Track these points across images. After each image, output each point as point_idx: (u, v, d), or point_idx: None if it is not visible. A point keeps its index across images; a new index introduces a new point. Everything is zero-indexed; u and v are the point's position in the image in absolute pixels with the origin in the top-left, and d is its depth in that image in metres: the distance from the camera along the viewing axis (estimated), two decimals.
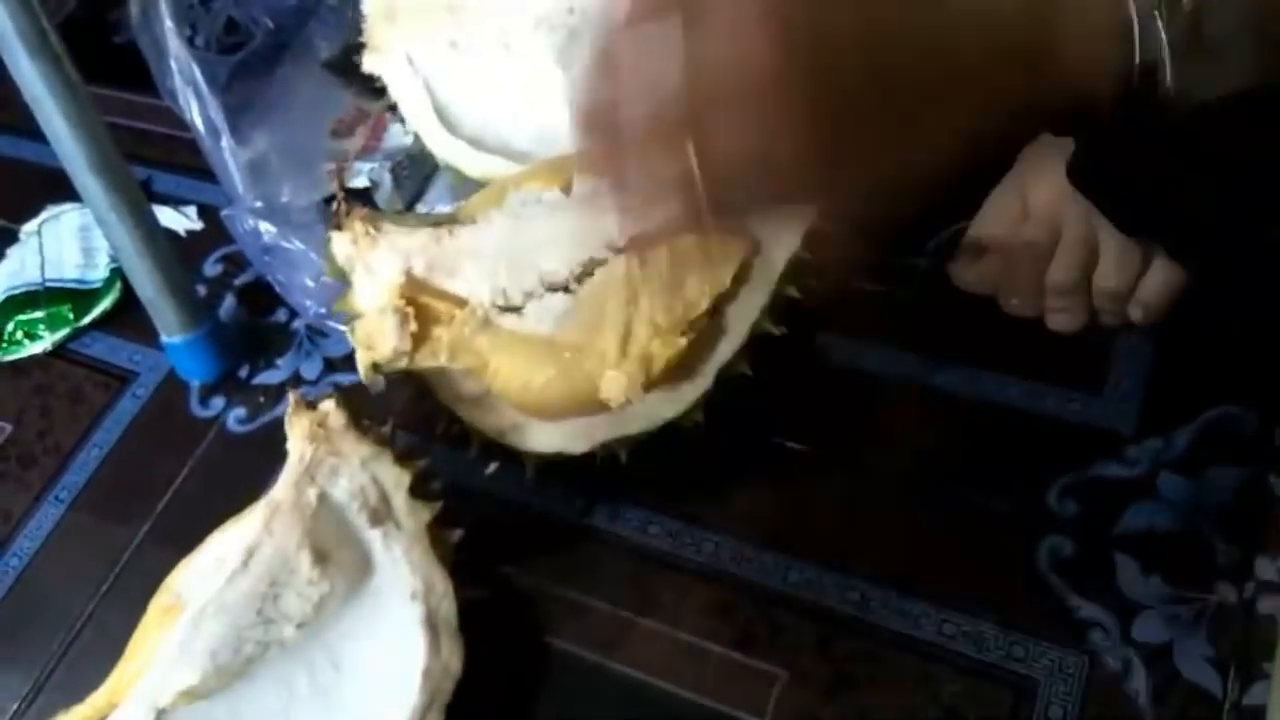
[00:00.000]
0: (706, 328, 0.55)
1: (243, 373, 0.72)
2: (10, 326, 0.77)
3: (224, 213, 0.71)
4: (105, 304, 0.77)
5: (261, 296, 0.75)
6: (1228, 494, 0.56)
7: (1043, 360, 0.62)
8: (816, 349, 0.66)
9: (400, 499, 0.51)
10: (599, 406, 0.55)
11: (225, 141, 0.68)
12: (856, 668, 0.55)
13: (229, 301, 0.76)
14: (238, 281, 0.77)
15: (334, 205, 0.59)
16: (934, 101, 0.36)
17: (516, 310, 0.57)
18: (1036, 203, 0.61)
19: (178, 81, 0.66)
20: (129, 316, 0.77)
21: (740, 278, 0.55)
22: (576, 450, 0.56)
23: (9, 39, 0.59)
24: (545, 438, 0.57)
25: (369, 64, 0.72)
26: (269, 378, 0.72)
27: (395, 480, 0.51)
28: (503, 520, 0.61)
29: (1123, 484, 0.58)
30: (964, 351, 0.64)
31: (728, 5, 0.35)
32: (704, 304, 0.55)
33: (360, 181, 0.75)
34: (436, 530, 0.51)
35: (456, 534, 0.52)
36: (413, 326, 0.56)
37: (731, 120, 0.35)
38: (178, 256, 0.68)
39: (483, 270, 0.57)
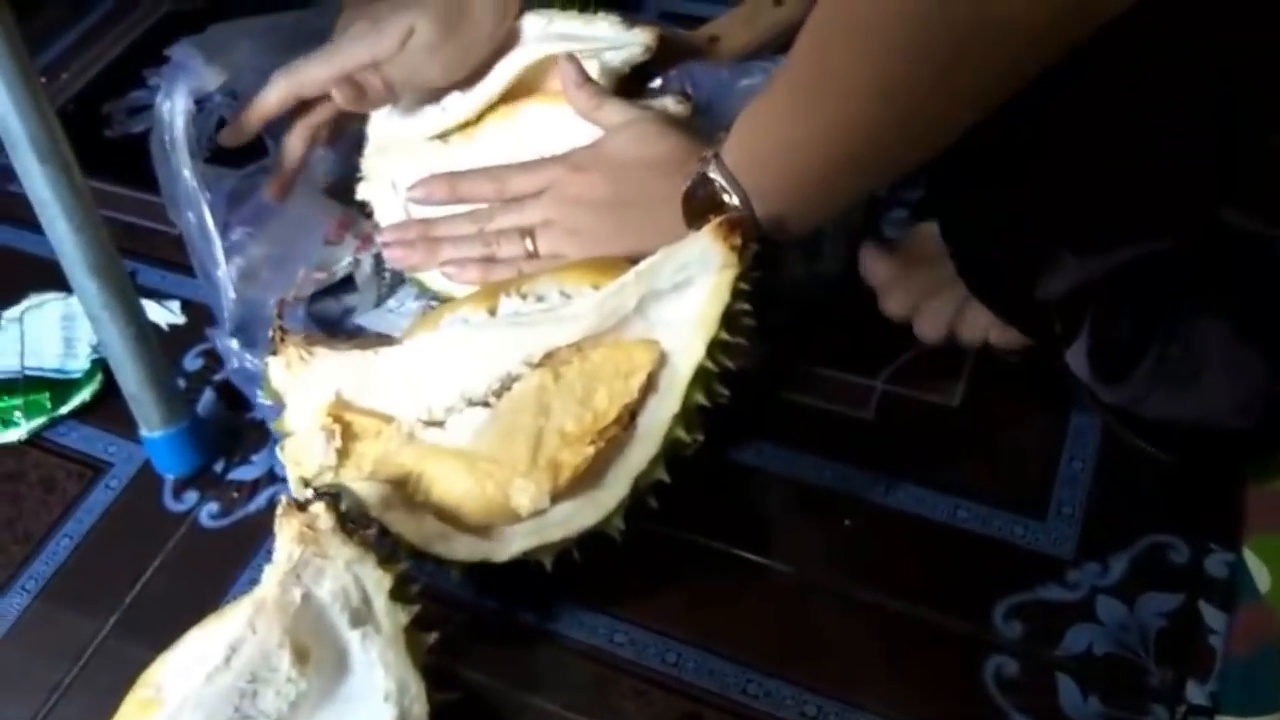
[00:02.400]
0: (620, 437, 0.58)
1: (218, 467, 0.74)
2: None
3: (208, 330, 0.74)
4: (84, 395, 0.78)
5: (240, 392, 0.77)
6: (1161, 619, 0.60)
7: (991, 486, 0.66)
8: (779, 464, 0.69)
9: (381, 601, 0.52)
10: (513, 515, 0.58)
11: (218, 252, 0.70)
12: None
13: (208, 396, 0.78)
14: (217, 377, 0.79)
15: (271, 334, 0.64)
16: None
17: (439, 425, 0.60)
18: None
19: (182, 188, 0.69)
20: (107, 407, 0.78)
21: (649, 388, 0.59)
22: (499, 558, 0.58)
23: (20, 143, 0.61)
24: (469, 546, 0.59)
25: (362, 192, 0.78)
26: (244, 473, 0.73)
27: (377, 582, 0.52)
28: (474, 624, 0.63)
29: (1064, 607, 0.61)
30: (916, 473, 0.67)
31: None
32: (613, 414, 0.58)
33: (345, 264, 0.79)
34: (413, 633, 0.53)
35: (431, 637, 0.54)
36: (337, 443, 0.61)
37: None
38: (163, 354, 0.70)
39: (408, 389, 0.61)
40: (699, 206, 0.60)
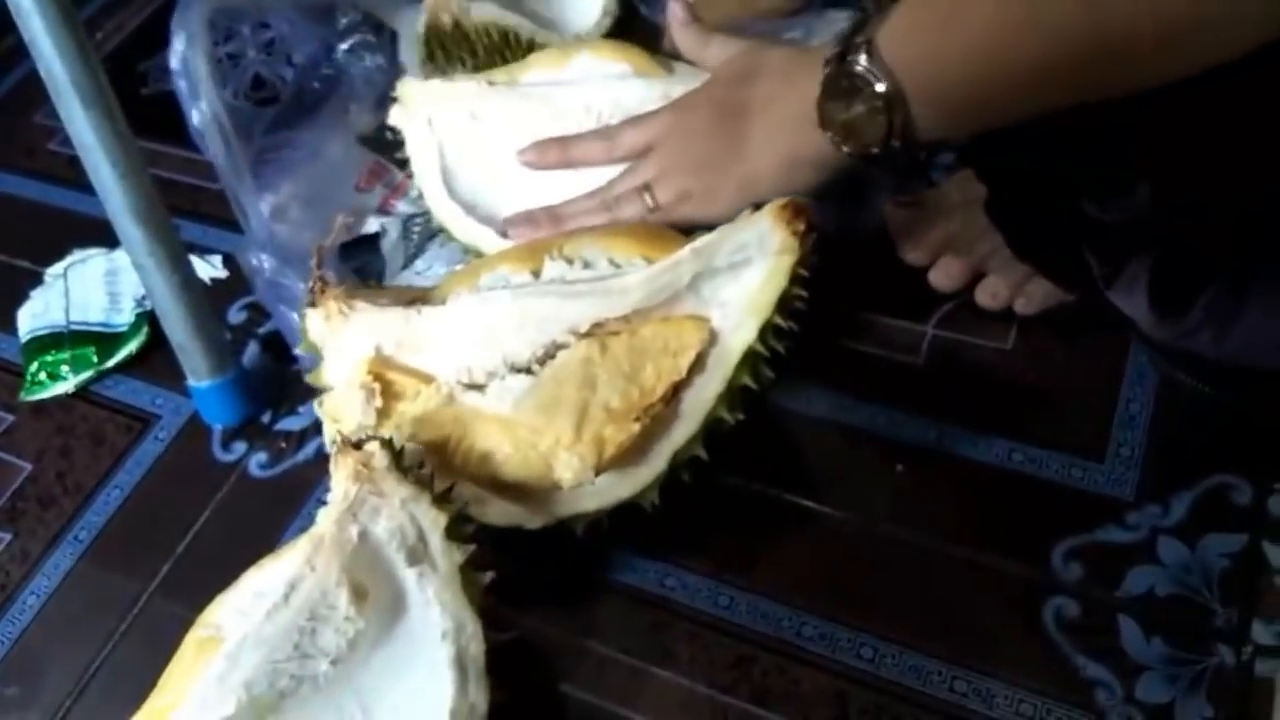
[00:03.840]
0: (662, 413, 0.57)
1: (265, 418, 0.74)
2: (34, 367, 0.78)
3: (238, 250, 0.73)
4: (130, 348, 0.78)
5: (284, 344, 0.77)
6: (1224, 560, 0.59)
7: (1047, 428, 0.65)
8: (834, 413, 0.68)
9: (436, 540, 0.52)
10: (553, 485, 0.58)
11: (247, 183, 0.69)
12: None
13: (252, 349, 0.78)
14: (261, 330, 0.79)
15: (310, 284, 0.62)
16: None
17: (480, 389, 0.59)
18: (970, 194, 0.71)
19: (207, 123, 0.68)
20: (153, 360, 0.78)
21: (697, 367, 0.58)
22: (532, 525, 0.58)
23: (64, 89, 0.61)
24: (502, 511, 0.58)
25: (394, 117, 0.75)
26: (290, 424, 0.73)
27: (432, 521, 0.52)
28: (529, 568, 0.62)
29: (1124, 549, 0.60)
30: (972, 418, 0.66)
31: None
32: (659, 391, 0.57)
33: (371, 228, 0.78)
34: (468, 572, 0.53)
35: (487, 577, 0.54)
36: (378, 402, 0.59)
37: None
38: (210, 304, 0.70)
39: (449, 350, 0.60)
40: (842, 97, 0.55)
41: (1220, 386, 0.64)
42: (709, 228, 0.61)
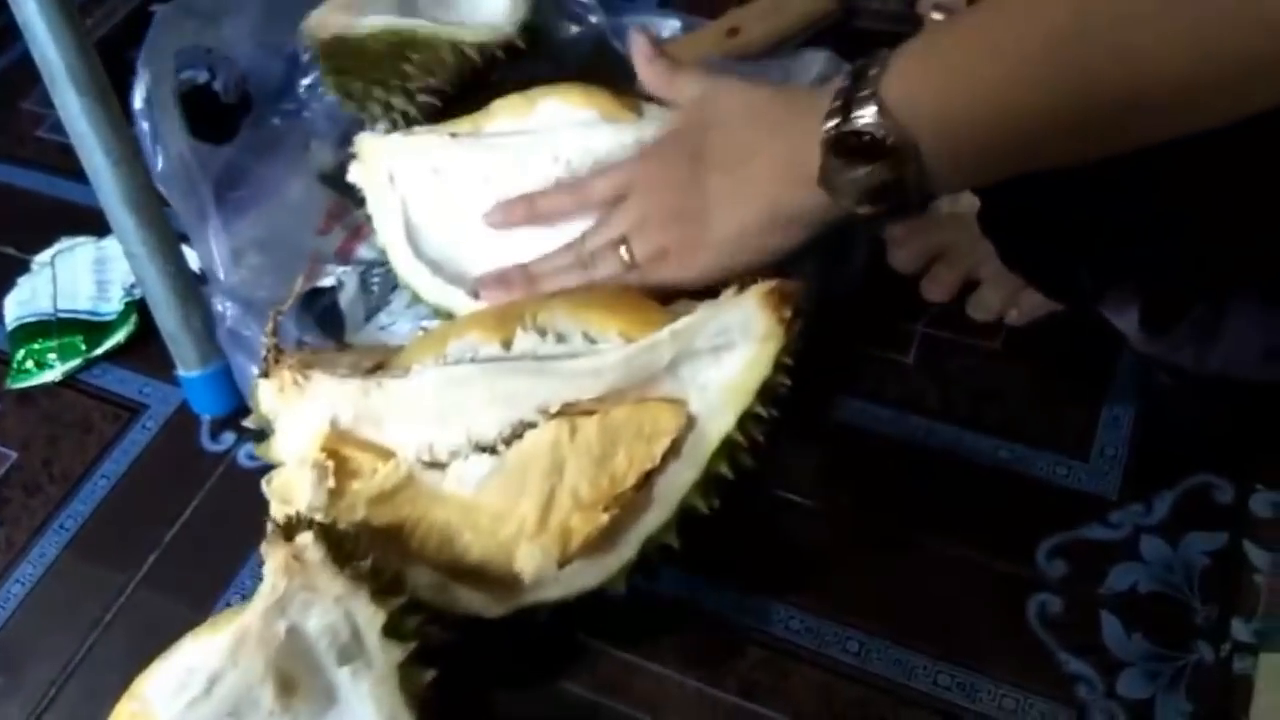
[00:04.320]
0: (633, 499, 0.54)
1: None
2: (20, 354, 0.78)
3: (207, 286, 0.70)
4: (118, 336, 0.78)
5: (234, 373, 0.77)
6: (1205, 558, 0.60)
7: (1034, 427, 0.66)
8: (819, 408, 0.69)
9: (373, 637, 0.49)
10: (514, 575, 0.55)
11: (211, 225, 0.68)
12: (855, 715, 0.57)
13: None
14: None
15: (264, 353, 0.59)
16: None
17: (441, 468, 0.56)
18: (962, 204, 0.71)
19: (172, 169, 0.67)
20: (141, 349, 0.78)
21: (672, 452, 0.54)
22: (492, 614, 0.56)
23: (59, 75, 0.61)
24: (464, 599, 0.56)
25: (354, 174, 0.70)
26: None
27: (369, 618, 0.49)
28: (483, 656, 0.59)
29: (1107, 546, 0.61)
30: (960, 416, 0.67)
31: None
32: (631, 479, 0.54)
33: (328, 281, 0.72)
34: (408, 670, 0.50)
35: (428, 674, 0.51)
36: (330, 483, 0.56)
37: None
38: (200, 294, 0.70)
39: (410, 425, 0.56)
40: (845, 155, 0.51)
41: (1203, 395, 0.65)
42: (690, 293, 0.58)
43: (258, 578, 0.64)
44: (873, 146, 0.49)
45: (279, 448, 0.58)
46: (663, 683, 0.59)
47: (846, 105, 0.50)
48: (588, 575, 0.56)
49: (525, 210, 0.65)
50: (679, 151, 0.60)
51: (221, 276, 0.69)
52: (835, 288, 0.70)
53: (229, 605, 0.64)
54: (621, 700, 0.58)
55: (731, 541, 0.63)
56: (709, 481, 0.56)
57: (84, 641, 0.64)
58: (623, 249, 0.60)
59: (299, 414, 0.57)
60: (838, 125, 0.50)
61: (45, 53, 0.60)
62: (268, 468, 0.70)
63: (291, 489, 0.56)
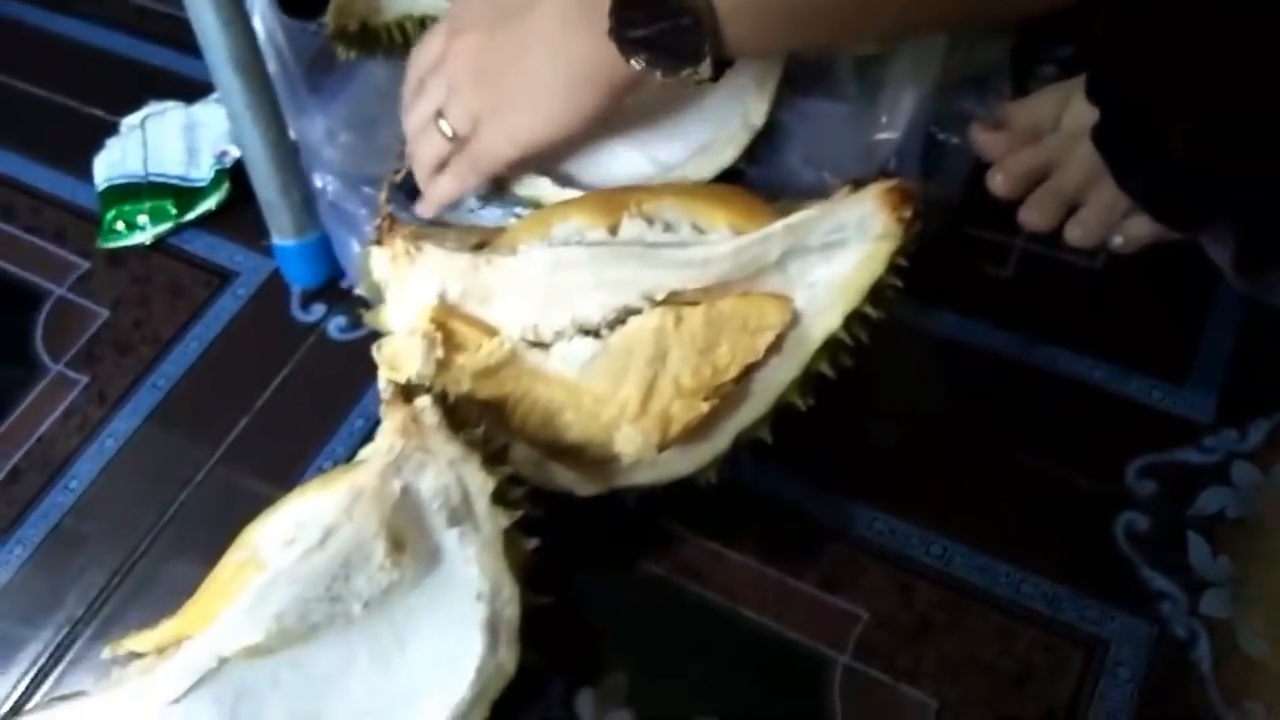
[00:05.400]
0: (730, 391, 0.55)
1: (345, 282, 0.74)
2: (110, 215, 0.78)
3: (304, 160, 0.70)
4: (210, 203, 0.78)
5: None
6: None
7: (1131, 347, 0.65)
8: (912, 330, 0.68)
9: (482, 503, 0.50)
10: (611, 456, 0.56)
11: (304, 103, 0.68)
12: (935, 615, 0.58)
13: None
14: None
15: (378, 220, 0.59)
16: None
17: (545, 348, 0.57)
18: (1067, 121, 0.70)
19: (263, 43, 0.66)
20: (231, 218, 0.78)
21: (774, 348, 0.55)
22: (583, 492, 0.57)
23: None
24: (555, 475, 0.57)
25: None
26: None
27: (480, 485, 0.50)
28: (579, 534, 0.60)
29: (1198, 469, 0.61)
30: (1057, 333, 0.66)
31: None
32: (732, 371, 0.54)
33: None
34: (512, 537, 0.51)
35: (532, 543, 0.52)
36: (439, 353, 0.56)
37: None
38: (299, 163, 0.70)
39: (516, 303, 0.57)
40: (639, 7, 0.50)
41: None
42: (773, 197, 0.57)
43: (347, 447, 0.66)
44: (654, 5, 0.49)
45: (388, 317, 0.58)
46: (743, 571, 0.60)
47: None
48: (681, 462, 0.56)
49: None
50: (483, 8, 0.57)
51: (316, 148, 0.69)
52: (929, 215, 0.69)
53: (321, 472, 0.66)
54: (702, 585, 0.59)
55: (819, 442, 0.63)
56: (808, 379, 0.56)
57: (175, 497, 0.66)
58: (441, 122, 0.59)
59: (409, 284, 0.57)
60: None
61: None
62: (356, 341, 0.72)
63: (400, 357, 0.56)
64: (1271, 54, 0.50)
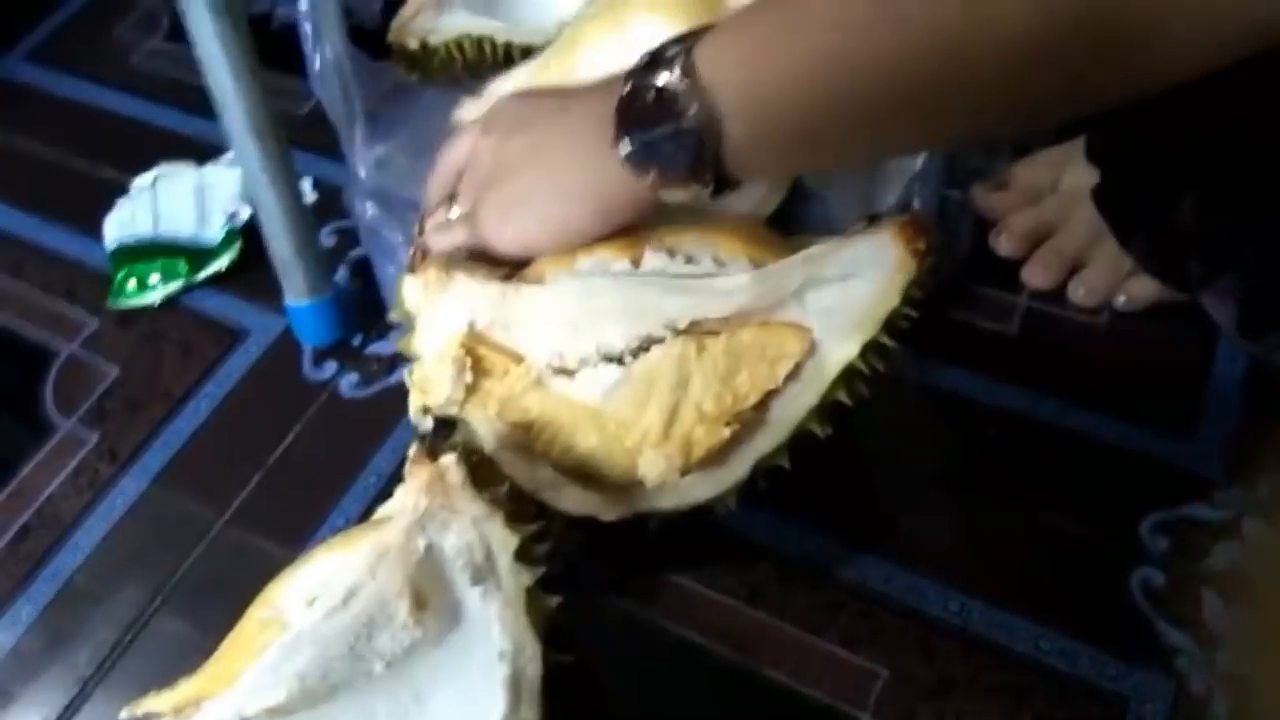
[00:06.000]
0: (750, 419, 0.56)
1: (355, 341, 0.74)
2: (122, 274, 0.79)
3: (348, 188, 0.71)
4: (222, 262, 0.79)
5: (373, 270, 0.77)
6: None
7: (1138, 403, 0.66)
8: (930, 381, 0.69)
9: (505, 560, 0.50)
10: (634, 481, 0.57)
11: (359, 132, 0.69)
12: (955, 672, 0.58)
13: (342, 273, 0.78)
14: (352, 254, 0.79)
15: (411, 250, 0.61)
16: None
17: (569, 374, 0.58)
18: (1068, 182, 0.72)
19: (328, 70, 0.67)
20: (242, 277, 0.79)
21: (792, 377, 0.56)
22: (606, 517, 0.58)
23: None
24: (578, 500, 0.58)
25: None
26: (381, 348, 0.74)
27: (503, 542, 0.51)
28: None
29: (1210, 525, 0.61)
30: (1063, 388, 0.67)
31: None
32: (753, 398, 0.56)
33: None
34: (535, 594, 0.51)
35: (554, 600, 0.52)
36: (468, 377, 0.58)
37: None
38: (313, 223, 0.71)
39: (543, 332, 0.58)
40: (642, 117, 0.48)
41: None
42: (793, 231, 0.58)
43: (360, 505, 0.66)
44: (663, 103, 0.47)
45: (419, 343, 0.60)
46: (762, 628, 0.60)
47: (653, 62, 0.48)
48: (702, 488, 0.57)
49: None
50: (504, 119, 0.58)
51: (363, 176, 0.69)
52: (937, 269, 0.70)
53: (334, 531, 0.65)
54: (721, 643, 0.59)
55: (835, 499, 0.64)
56: (826, 407, 0.57)
57: (186, 556, 0.65)
58: (455, 209, 0.60)
59: (440, 312, 0.59)
60: (636, 82, 0.48)
61: None
62: (368, 399, 0.72)
63: (430, 382, 0.58)
64: (1268, 117, 0.52)
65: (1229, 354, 0.68)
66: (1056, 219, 0.72)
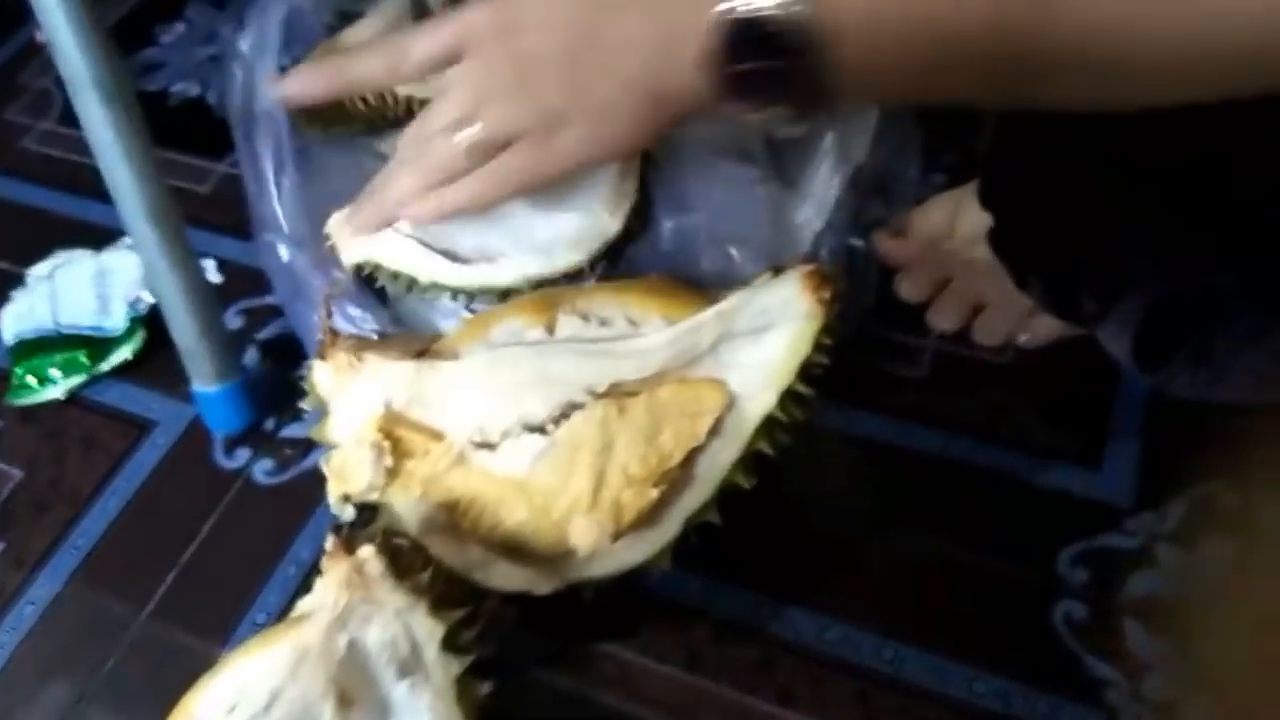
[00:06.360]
0: (677, 477, 0.56)
1: (268, 425, 0.73)
2: (20, 370, 0.76)
3: (265, 238, 0.66)
4: (125, 352, 0.76)
5: (284, 350, 0.76)
6: (1220, 565, 0.62)
7: (1047, 437, 0.68)
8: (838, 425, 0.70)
9: (431, 650, 0.50)
10: (566, 551, 0.56)
11: (289, 178, 0.66)
12: None
13: (251, 354, 0.77)
14: (260, 335, 0.78)
15: (319, 335, 0.59)
16: None
17: (491, 448, 0.57)
18: (962, 227, 0.74)
19: (264, 112, 0.64)
20: (146, 365, 0.77)
21: (714, 431, 0.56)
22: (540, 591, 0.57)
23: (84, 85, 0.60)
24: (510, 576, 0.57)
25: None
26: (295, 431, 0.73)
27: (428, 631, 0.50)
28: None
29: (1125, 554, 0.63)
30: (973, 428, 0.69)
31: None
32: (678, 456, 0.56)
33: None
34: (465, 683, 0.50)
35: (485, 687, 0.51)
36: (388, 462, 0.57)
37: None
38: (217, 308, 0.69)
39: (461, 407, 0.58)
40: (739, 40, 0.44)
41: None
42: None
43: (280, 596, 0.64)
44: (771, 34, 0.42)
45: (335, 429, 0.58)
46: (701, 694, 0.59)
47: None
48: (635, 551, 0.57)
49: (333, 75, 0.56)
50: (521, 12, 0.49)
51: (286, 229, 0.66)
52: (845, 317, 0.71)
53: (256, 625, 0.63)
54: (665, 712, 0.59)
55: (756, 554, 0.64)
56: (750, 459, 0.57)
57: (105, 661, 0.63)
58: (465, 132, 0.51)
59: (353, 396, 0.58)
60: (725, 11, 0.43)
61: (72, 62, 0.59)
62: (283, 485, 0.70)
63: (350, 468, 0.56)
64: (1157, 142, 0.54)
65: (1132, 385, 0.70)
66: (955, 263, 0.74)
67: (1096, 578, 0.62)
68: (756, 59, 0.44)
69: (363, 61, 0.54)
